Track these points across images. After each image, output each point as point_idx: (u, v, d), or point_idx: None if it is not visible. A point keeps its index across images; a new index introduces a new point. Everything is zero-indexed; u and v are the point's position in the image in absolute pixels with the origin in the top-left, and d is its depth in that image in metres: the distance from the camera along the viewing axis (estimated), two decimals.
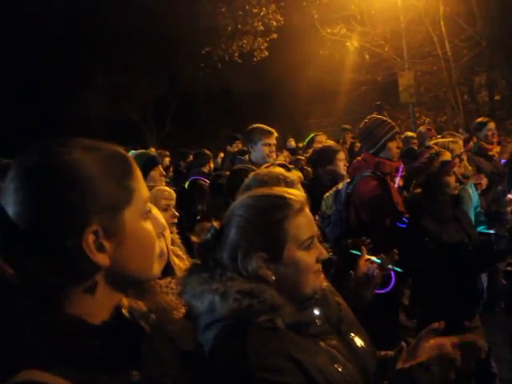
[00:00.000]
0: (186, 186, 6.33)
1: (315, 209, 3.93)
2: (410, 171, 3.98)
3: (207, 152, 7.19)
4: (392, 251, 2.48)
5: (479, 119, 6.62)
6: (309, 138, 7.26)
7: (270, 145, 4.55)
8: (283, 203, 1.64)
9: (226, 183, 3.76)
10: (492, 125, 6.24)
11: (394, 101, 16.90)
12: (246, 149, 6.64)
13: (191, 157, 7.84)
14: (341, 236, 3.83)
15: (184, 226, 3.97)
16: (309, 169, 5.68)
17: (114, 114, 22.49)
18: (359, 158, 4.36)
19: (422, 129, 8.11)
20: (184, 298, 1.65)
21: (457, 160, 3.74)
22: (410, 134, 8.22)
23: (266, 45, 15.77)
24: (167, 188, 3.32)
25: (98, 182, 1.04)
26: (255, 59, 15.98)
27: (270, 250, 1.60)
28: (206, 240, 1.68)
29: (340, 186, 4.17)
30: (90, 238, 1.02)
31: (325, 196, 4.20)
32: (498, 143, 6.68)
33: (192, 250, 2.07)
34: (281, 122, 19.82)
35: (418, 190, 3.77)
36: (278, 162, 4.36)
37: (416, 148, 6.54)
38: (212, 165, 7.29)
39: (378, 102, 11.92)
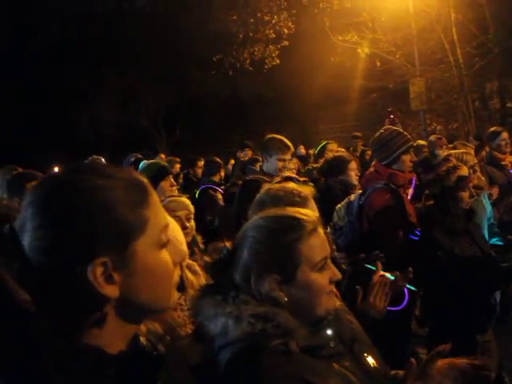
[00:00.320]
0: (197, 195, 6.31)
1: (327, 220, 3.91)
2: (425, 182, 3.95)
3: (218, 160, 7.16)
4: (406, 269, 2.46)
5: (492, 128, 6.57)
6: (320, 147, 7.22)
7: (284, 160, 4.51)
8: (296, 224, 1.63)
9: (238, 194, 3.75)
10: (505, 134, 6.19)
11: (405, 107, 16.85)
12: (256, 157, 6.65)
13: (199, 163, 7.82)
14: (353, 248, 3.80)
15: None
16: (321, 179, 5.65)
17: (125, 120, 22.67)
18: (371, 168, 4.34)
19: (432, 138, 8.07)
20: (197, 320, 1.64)
21: (472, 176, 3.71)
22: (421, 142, 8.19)
23: (277, 53, 15.77)
24: (184, 199, 3.29)
25: (110, 213, 1.02)
26: (266, 66, 15.97)
27: (283, 271, 1.59)
28: (219, 260, 1.67)
29: (352, 197, 4.15)
30: (99, 270, 1.00)
31: (337, 207, 4.18)
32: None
33: None
34: (290, 127, 19.89)
35: (431, 202, 3.74)
36: (288, 171, 4.36)
37: (428, 157, 6.50)
38: (223, 173, 7.27)
39: (390, 109, 11.91)
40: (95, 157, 7.43)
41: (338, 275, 1.69)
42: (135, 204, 1.05)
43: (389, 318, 2.41)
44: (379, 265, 2.48)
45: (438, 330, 3.64)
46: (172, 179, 4.58)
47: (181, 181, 7.66)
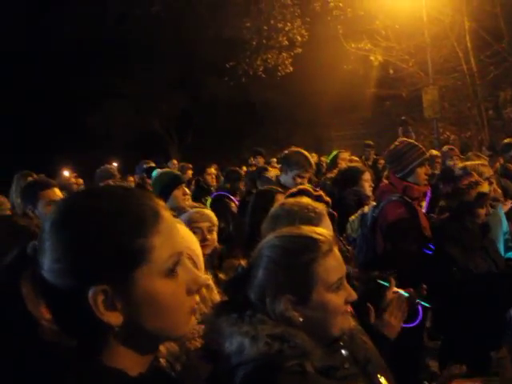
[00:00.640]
0: (209, 202, 6.29)
1: (340, 231, 3.89)
2: (443, 193, 3.90)
3: (239, 170, 7.07)
4: (420, 284, 2.43)
5: (506, 140, 6.53)
6: (332, 156, 7.20)
7: (303, 178, 4.46)
8: (312, 245, 1.62)
9: (251, 204, 3.74)
10: None
11: (418, 115, 16.76)
12: (265, 167, 6.62)
13: (208, 170, 7.76)
14: (367, 261, 3.78)
15: None
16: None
17: (138, 124, 22.80)
18: (386, 181, 4.31)
19: (445, 148, 8.03)
20: (210, 336, 1.63)
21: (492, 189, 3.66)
22: (434, 152, 8.13)
23: (290, 60, 15.80)
24: (208, 211, 3.25)
25: (113, 240, 1.01)
26: (279, 74, 16.00)
27: (298, 292, 1.59)
28: (234, 278, 1.67)
29: (366, 209, 4.13)
30: (99, 297, 1.00)
31: (350, 219, 4.16)
32: None
33: None
34: (303, 134, 19.91)
35: (446, 215, 3.70)
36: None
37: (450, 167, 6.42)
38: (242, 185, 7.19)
39: (403, 117, 11.83)
40: (108, 166, 7.44)
41: (354, 296, 1.68)
42: (141, 232, 1.03)
43: (401, 334, 2.38)
44: (392, 281, 2.46)
45: (451, 345, 3.60)
46: (185, 188, 4.59)
47: (192, 187, 7.65)
